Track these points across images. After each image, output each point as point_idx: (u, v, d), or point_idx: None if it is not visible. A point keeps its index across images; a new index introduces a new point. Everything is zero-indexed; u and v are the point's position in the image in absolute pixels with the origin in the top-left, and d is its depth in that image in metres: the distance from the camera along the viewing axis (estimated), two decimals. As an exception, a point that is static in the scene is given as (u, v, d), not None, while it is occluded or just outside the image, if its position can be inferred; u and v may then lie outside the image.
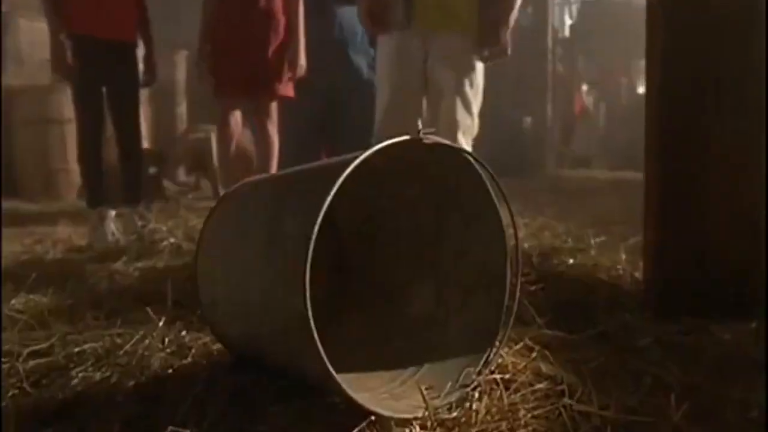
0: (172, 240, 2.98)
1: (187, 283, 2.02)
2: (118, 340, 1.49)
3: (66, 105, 5.15)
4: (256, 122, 3.59)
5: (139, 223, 3.13)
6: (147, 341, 1.44)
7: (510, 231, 1.28)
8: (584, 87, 15.04)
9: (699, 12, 1.81)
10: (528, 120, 9.52)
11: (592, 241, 2.51)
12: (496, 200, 1.24)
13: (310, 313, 0.92)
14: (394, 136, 2.71)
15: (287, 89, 3.55)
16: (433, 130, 1.06)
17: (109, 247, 2.99)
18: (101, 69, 3.20)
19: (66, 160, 5.61)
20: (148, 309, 1.61)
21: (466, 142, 2.69)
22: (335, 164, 1.03)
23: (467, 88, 2.66)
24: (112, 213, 3.35)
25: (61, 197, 5.72)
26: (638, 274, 2.15)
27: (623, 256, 2.27)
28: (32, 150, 5.72)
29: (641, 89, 15.90)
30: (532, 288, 1.84)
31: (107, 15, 3.18)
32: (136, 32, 3.37)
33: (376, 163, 1.09)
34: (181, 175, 7.27)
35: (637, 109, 13.36)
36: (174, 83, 7.48)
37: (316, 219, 0.90)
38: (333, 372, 0.96)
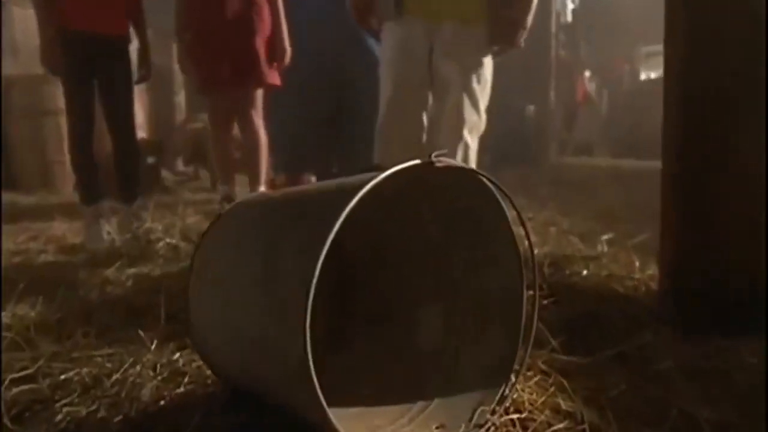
0: (168, 240, 2.90)
1: (181, 293, 1.93)
2: (108, 365, 1.41)
3: (61, 95, 5.02)
4: (242, 113, 3.48)
5: (135, 225, 3.03)
6: (138, 367, 1.36)
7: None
8: (587, 73, 14.88)
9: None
10: (531, 108, 9.40)
11: (604, 247, 2.42)
12: (510, 222, 1.14)
13: (311, 362, 0.84)
14: (396, 135, 2.64)
15: (274, 77, 3.46)
16: (444, 152, 0.97)
17: (103, 248, 2.90)
18: (92, 64, 3.10)
19: (62, 151, 5.49)
20: (141, 332, 1.53)
21: (472, 139, 2.59)
22: (339, 189, 0.94)
23: (474, 84, 2.56)
24: (107, 211, 3.26)
25: (58, 189, 5.62)
26: (653, 283, 2.07)
27: (636, 263, 2.18)
28: (28, 141, 5.61)
29: (643, 75, 15.77)
30: (545, 302, 1.75)
31: (98, 9, 3.08)
32: (128, 26, 3.26)
33: (383, 182, 1.00)
34: (180, 164, 7.20)
35: (639, 96, 13.34)
36: (172, 72, 7.35)
37: (316, 264, 0.81)
38: (336, 423, 0.87)
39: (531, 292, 1.18)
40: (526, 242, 1.17)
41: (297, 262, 0.89)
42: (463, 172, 1.03)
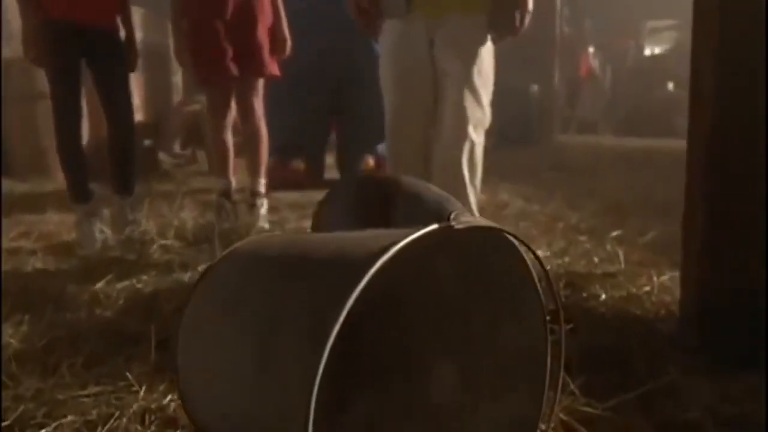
0: (163, 242, 2.80)
1: (174, 315, 1.84)
2: (93, 411, 1.30)
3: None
4: (243, 103, 3.35)
5: (129, 228, 2.92)
6: (125, 420, 1.25)
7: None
8: (590, 49, 14.66)
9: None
10: (535, 88, 9.23)
11: (620, 257, 2.30)
12: (535, 276, 1.03)
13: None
14: (404, 137, 2.53)
15: (273, 68, 3.33)
16: (464, 210, 0.85)
17: (96, 251, 2.79)
18: (79, 56, 2.96)
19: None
20: (128, 374, 1.42)
21: (477, 135, 2.49)
22: (346, 259, 0.83)
23: (475, 77, 2.45)
24: (100, 208, 3.13)
25: (52, 175, 5.47)
26: (670, 299, 1.96)
27: (655, 279, 2.07)
28: (20, 126, 5.47)
29: (648, 51, 15.55)
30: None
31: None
32: (115, 15, 3.11)
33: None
34: (177, 147, 7.07)
35: (643, 73, 13.18)
36: (168, 51, 7.17)
37: (320, 360, 0.70)
38: None
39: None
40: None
41: (298, 347, 0.78)
42: (485, 230, 0.91)
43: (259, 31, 3.23)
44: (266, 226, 3.23)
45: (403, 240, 0.79)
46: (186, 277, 2.15)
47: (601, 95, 14.52)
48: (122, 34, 3.18)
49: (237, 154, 3.54)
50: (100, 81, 3.08)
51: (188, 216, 3.63)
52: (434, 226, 0.82)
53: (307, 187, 4.75)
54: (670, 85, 13.84)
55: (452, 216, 0.84)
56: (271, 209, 3.60)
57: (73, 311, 1.91)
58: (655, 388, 1.41)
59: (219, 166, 3.45)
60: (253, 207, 3.37)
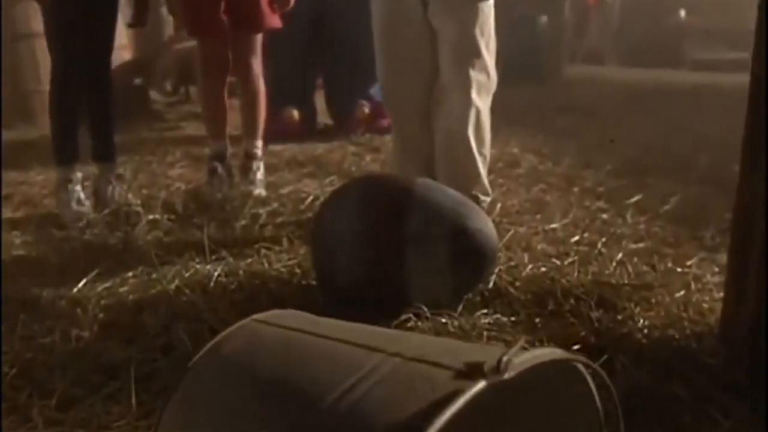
0: (150, 217, 2.61)
1: (157, 337, 1.66)
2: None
3: (34, 17, 4.55)
4: (240, 61, 3.08)
5: (111, 205, 2.71)
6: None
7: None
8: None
9: None
10: (544, 19, 8.81)
11: (658, 267, 2.09)
12: (595, 393, 0.83)
13: None
14: (401, 103, 2.34)
15: (274, 20, 3.06)
16: (518, 348, 0.65)
17: (79, 228, 2.58)
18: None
19: (39, 80, 5.04)
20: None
21: (482, 101, 2.32)
22: (371, 425, 0.63)
23: (478, 38, 2.27)
24: (79, 175, 2.89)
25: (37, 121, 5.18)
26: (707, 307, 1.78)
27: (693, 285, 1.88)
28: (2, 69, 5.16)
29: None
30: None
31: None
32: None
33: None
34: (168, 86, 6.78)
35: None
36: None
37: None
38: None
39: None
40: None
41: None
42: (543, 366, 0.71)
43: None
44: (263, 192, 3.02)
45: (444, 412, 0.58)
46: (172, 285, 1.94)
47: (609, 24, 14.04)
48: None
49: (231, 95, 3.27)
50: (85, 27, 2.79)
51: (179, 176, 3.44)
52: (482, 385, 0.62)
53: (302, 136, 4.50)
54: (682, 13, 13.35)
55: (503, 361, 0.64)
56: (269, 167, 3.39)
57: (45, 334, 1.69)
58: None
59: (213, 129, 3.18)
60: (248, 171, 3.14)
